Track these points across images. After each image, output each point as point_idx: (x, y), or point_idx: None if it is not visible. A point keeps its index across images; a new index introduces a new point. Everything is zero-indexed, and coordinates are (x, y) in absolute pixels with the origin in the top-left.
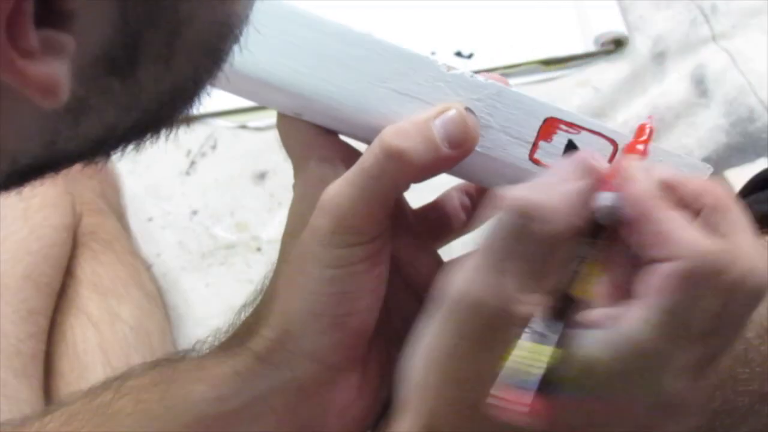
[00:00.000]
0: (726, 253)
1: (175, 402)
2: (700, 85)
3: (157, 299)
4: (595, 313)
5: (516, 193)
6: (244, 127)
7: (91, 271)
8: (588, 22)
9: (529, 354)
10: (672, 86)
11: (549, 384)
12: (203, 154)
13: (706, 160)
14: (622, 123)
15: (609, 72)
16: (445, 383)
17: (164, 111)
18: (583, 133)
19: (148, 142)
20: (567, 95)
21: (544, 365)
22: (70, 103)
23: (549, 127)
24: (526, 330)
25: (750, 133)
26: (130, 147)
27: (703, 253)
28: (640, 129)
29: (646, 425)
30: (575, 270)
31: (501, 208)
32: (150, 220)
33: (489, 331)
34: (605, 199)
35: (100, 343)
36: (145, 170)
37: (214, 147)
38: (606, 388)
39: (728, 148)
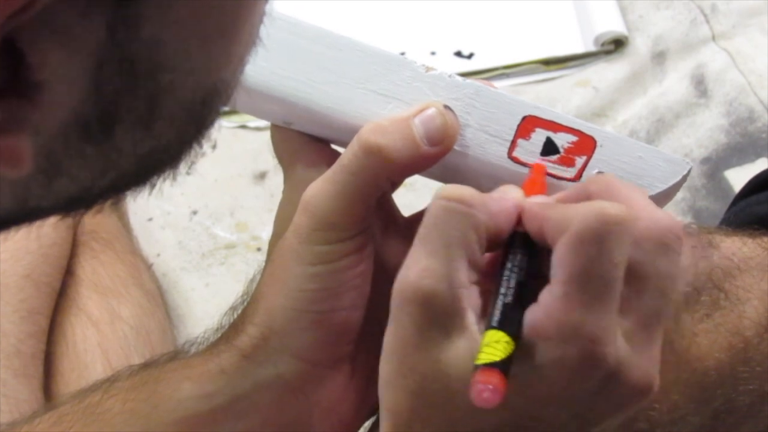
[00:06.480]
0: (612, 207)
1: (162, 400)
2: (700, 85)
3: (158, 298)
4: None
5: (450, 187)
6: (244, 127)
7: (92, 271)
8: (588, 22)
9: (492, 340)
10: (672, 86)
11: (508, 368)
12: (203, 154)
13: (706, 160)
14: (621, 123)
15: (609, 72)
16: (406, 376)
17: (146, 171)
18: (562, 130)
19: (129, 196)
20: (567, 95)
21: (505, 351)
22: (42, 165)
23: (527, 125)
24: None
25: (750, 133)
26: (109, 202)
27: (587, 213)
28: (537, 167)
29: (590, 407)
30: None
31: (434, 197)
32: (150, 220)
33: (437, 318)
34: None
35: (100, 342)
36: None
37: (214, 147)
38: (545, 372)
39: (728, 148)
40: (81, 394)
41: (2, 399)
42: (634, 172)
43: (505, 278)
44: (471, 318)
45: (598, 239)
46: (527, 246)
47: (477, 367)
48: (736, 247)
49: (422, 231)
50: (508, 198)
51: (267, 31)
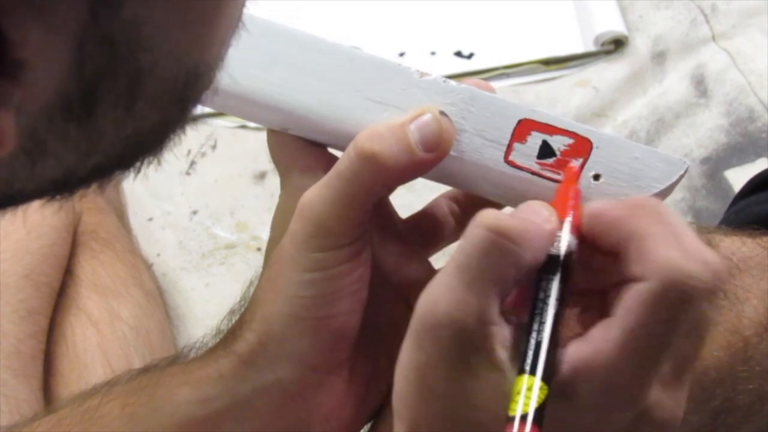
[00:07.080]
0: (702, 274)
1: (160, 405)
2: (700, 85)
3: (157, 298)
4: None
5: (494, 215)
6: (244, 127)
7: (91, 271)
8: (588, 22)
9: (526, 387)
10: (672, 86)
11: (542, 416)
12: (203, 154)
13: (706, 160)
14: (621, 123)
15: (609, 72)
16: (424, 399)
17: (130, 153)
18: (557, 133)
19: (115, 179)
20: (567, 95)
21: (538, 399)
22: (26, 145)
23: (523, 128)
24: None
25: (750, 133)
26: (94, 185)
27: (679, 268)
28: (569, 170)
29: None
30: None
31: (478, 225)
32: (150, 220)
33: (466, 352)
34: (568, 242)
35: (99, 342)
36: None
37: (214, 147)
38: (581, 413)
39: (728, 148)
40: (80, 397)
41: (2, 399)
42: (631, 173)
43: (537, 313)
44: (501, 355)
45: (677, 305)
46: (560, 271)
47: (510, 419)
48: (736, 246)
49: (462, 258)
50: (549, 230)
51: (260, 40)
